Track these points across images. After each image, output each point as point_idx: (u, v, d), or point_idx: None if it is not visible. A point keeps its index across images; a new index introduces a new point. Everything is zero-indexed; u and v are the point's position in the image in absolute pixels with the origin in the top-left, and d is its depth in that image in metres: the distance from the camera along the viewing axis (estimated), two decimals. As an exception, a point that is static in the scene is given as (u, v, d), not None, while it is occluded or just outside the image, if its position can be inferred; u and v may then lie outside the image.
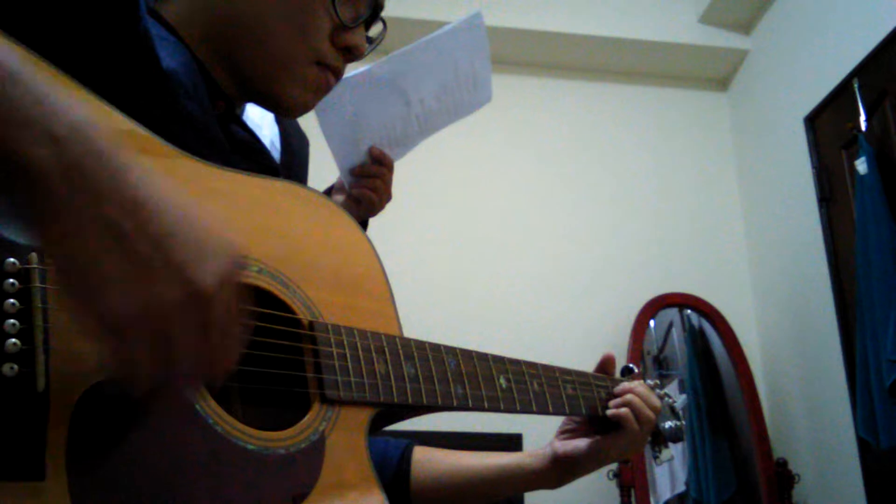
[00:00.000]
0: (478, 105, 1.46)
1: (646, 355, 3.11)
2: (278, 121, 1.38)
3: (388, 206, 1.40)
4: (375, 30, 0.88)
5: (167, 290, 0.47)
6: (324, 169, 1.42)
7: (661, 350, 3.21)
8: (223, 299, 0.50)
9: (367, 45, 0.85)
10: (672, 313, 3.20)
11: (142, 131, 0.62)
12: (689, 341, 3.14)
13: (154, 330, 0.48)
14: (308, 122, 1.18)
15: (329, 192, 1.42)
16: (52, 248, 0.47)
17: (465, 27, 1.38)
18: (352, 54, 0.84)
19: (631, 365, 1.12)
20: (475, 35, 1.39)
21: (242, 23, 0.78)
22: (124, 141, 0.49)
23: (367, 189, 1.34)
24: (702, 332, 3.17)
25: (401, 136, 1.41)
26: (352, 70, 1.20)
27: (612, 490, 2.82)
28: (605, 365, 1.10)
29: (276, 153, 1.44)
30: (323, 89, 0.84)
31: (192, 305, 0.48)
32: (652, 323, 3.14)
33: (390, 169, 1.38)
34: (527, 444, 2.70)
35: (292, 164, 1.39)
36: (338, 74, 0.85)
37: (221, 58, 0.80)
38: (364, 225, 1.39)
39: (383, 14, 0.89)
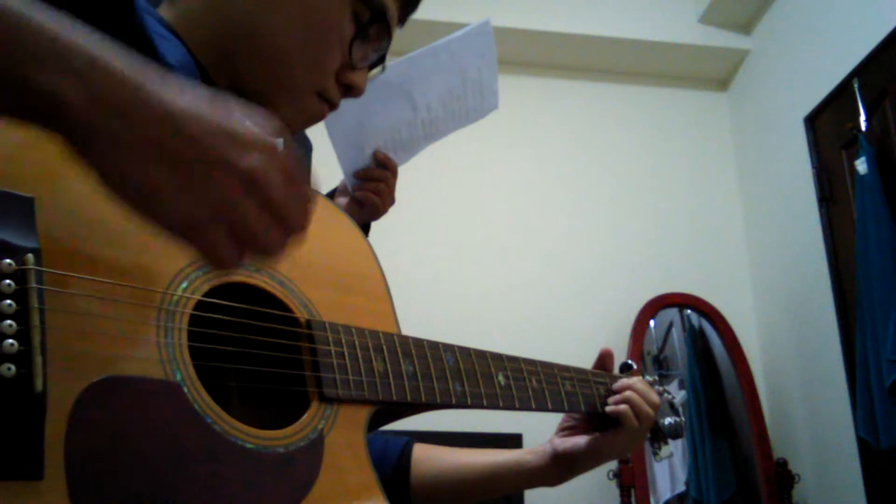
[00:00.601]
0: (484, 112, 1.47)
1: (646, 355, 3.11)
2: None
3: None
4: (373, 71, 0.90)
5: (224, 185, 0.50)
6: (330, 170, 1.42)
7: (661, 350, 3.21)
8: (278, 168, 0.52)
9: (365, 85, 0.86)
10: (672, 313, 3.20)
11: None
12: (689, 341, 3.15)
13: (227, 221, 0.51)
14: (312, 130, 1.18)
15: (332, 194, 1.42)
16: (102, 174, 0.48)
17: (474, 34, 1.38)
18: (351, 92, 0.85)
19: (630, 361, 1.12)
20: (483, 42, 1.40)
21: (262, 44, 0.78)
22: (139, 62, 0.50)
23: (370, 192, 1.34)
24: (702, 332, 3.18)
25: (406, 141, 1.42)
26: None
27: (612, 490, 2.82)
28: (604, 360, 1.11)
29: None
30: (316, 119, 0.85)
31: (252, 188, 0.51)
32: (652, 323, 3.14)
33: (394, 173, 1.38)
34: (527, 444, 2.70)
35: None
36: (333, 108, 0.86)
37: (223, 65, 0.80)
38: (366, 228, 1.39)
39: None
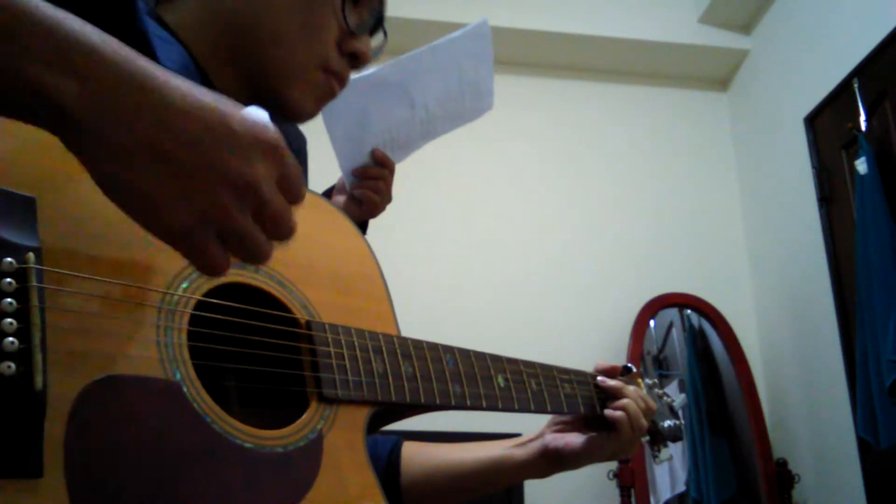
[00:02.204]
0: (479, 113, 1.48)
1: (646, 355, 3.11)
2: (274, 119, 1.38)
3: (389, 206, 1.41)
4: (376, 40, 0.89)
5: (218, 192, 0.49)
6: (328, 167, 1.43)
7: (661, 350, 3.21)
8: (275, 176, 0.52)
9: (371, 53, 0.87)
10: (672, 313, 3.20)
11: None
12: (689, 341, 3.15)
13: (219, 229, 0.51)
14: (311, 125, 1.18)
15: (330, 191, 1.42)
16: (96, 173, 0.48)
17: (472, 34, 1.39)
18: (357, 60, 0.85)
19: (629, 364, 1.12)
20: (481, 43, 1.41)
21: (255, 29, 0.79)
22: (140, 60, 0.50)
23: (369, 190, 1.35)
24: (702, 332, 3.18)
25: (403, 140, 1.43)
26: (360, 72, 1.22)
27: (612, 490, 2.82)
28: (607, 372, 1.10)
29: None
30: (328, 96, 0.86)
31: (246, 196, 0.51)
32: (652, 323, 3.15)
33: (392, 171, 1.39)
34: (527, 443, 2.70)
35: None
36: (342, 82, 0.86)
37: (230, 63, 0.80)
38: (364, 226, 1.40)
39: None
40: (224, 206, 0.50)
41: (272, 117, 0.91)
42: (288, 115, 0.86)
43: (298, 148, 1.39)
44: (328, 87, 0.85)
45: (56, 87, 0.45)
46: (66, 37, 0.46)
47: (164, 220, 0.49)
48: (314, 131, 1.39)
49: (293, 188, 0.54)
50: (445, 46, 1.38)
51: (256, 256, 0.54)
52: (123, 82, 0.47)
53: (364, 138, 1.37)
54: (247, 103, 0.86)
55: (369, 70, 1.33)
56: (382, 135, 1.39)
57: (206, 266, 0.52)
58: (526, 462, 1.03)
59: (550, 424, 1.06)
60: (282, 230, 0.54)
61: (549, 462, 1.03)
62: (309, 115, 0.86)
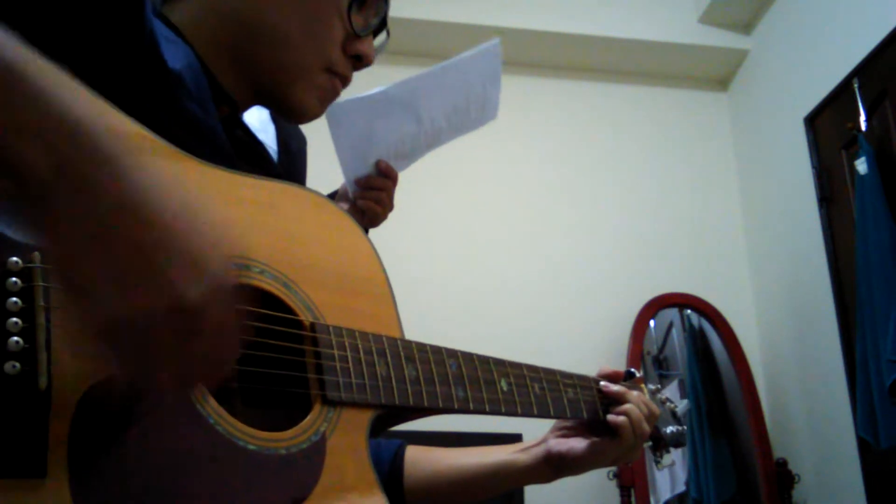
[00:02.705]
0: (483, 122, 1.49)
1: (646, 355, 3.11)
2: (275, 120, 1.39)
3: (390, 207, 1.42)
4: (379, 40, 0.89)
5: (151, 300, 0.47)
6: (327, 170, 1.43)
7: (661, 350, 3.21)
8: (213, 312, 0.49)
9: (374, 54, 0.87)
10: (672, 313, 3.20)
11: (147, 133, 0.63)
12: (689, 341, 3.15)
13: (137, 336, 0.47)
14: (313, 124, 1.18)
15: (332, 197, 1.43)
16: (44, 246, 0.47)
17: (484, 54, 1.40)
18: (361, 62, 0.86)
19: (633, 369, 1.11)
20: (491, 61, 1.42)
21: (260, 30, 0.79)
22: (126, 140, 0.48)
23: (371, 201, 1.36)
24: (702, 332, 3.18)
25: (408, 151, 1.44)
26: (371, 89, 1.23)
27: (612, 490, 2.82)
28: (610, 377, 1.10)
29: (271, 152, 1.47)
30: (331, 96, 0.86)
31: (177, 318, 0.47)
32: (652, 323, 3.15)
33: (395, 182, 1.40)
34: (527, 443, 2.70)
35: (291, 164, 1.40)
36: (345, 82, 0.86)
37: (235, 63, 0.81)
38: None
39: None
40: (149, 314, 0.46)
41: (276, 117, 0.90)
42: (292, 116, 0.86)
43: (298, 149, 1.40)
44: (332, 87, 0.85)
45: (24, 152, 0.44)
46: (51, 105, 0.45)
47: (90, 305, 0.46)
48: (315, 131, 1.39)
49: (227, 334, 0.51)
50: (457, 66, 1.39)
51: (170, 383, 0.51)
52: (95, 163, 0.46)
53: (369, 150, 1.38)
54: (251, 102, 0.86)
55: (380, 88, 1.34)
56: (388, 147, 1.40)
57: (120, 368, 0.49)
58: (529, 467, 1.03)
59: (553, 430, 1.06)
60: (207, 370, 0.51)
61: (553, 467, 1.03)
62: (313, 116, 0.87)
